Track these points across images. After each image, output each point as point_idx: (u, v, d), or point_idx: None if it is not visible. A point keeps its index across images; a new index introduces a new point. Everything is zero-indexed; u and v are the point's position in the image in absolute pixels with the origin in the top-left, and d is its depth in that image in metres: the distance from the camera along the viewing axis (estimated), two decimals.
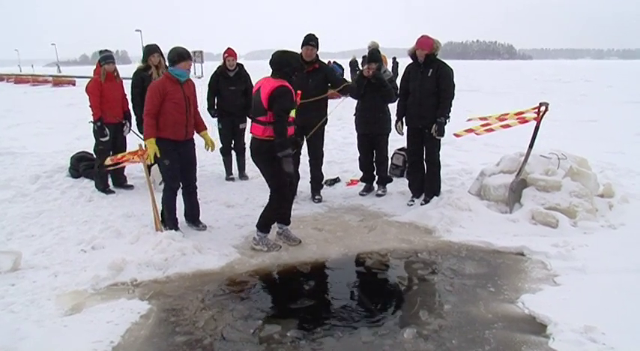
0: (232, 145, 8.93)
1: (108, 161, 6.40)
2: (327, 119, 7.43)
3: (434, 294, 4.74)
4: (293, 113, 5.56)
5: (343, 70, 22.01)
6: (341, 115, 12.26)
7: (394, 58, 27.06)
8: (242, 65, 8.71)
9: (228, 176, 9.00)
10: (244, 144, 9.00)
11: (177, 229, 6.16)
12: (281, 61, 5.54)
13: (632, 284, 4.57)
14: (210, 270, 5.30)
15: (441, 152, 7.28)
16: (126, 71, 8.32)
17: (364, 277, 5.25)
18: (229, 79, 8.53)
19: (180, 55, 5.87)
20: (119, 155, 6.26)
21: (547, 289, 4.69)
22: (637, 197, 7.07)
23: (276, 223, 6.04)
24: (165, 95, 5.81)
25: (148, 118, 5.81)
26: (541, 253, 5.43)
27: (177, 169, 6.11)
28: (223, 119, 8.69)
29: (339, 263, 5.52)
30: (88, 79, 8.00)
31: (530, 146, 6.52)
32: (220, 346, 3.98)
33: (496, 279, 4.98)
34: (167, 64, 8.18)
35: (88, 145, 8.72)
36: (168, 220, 6.23)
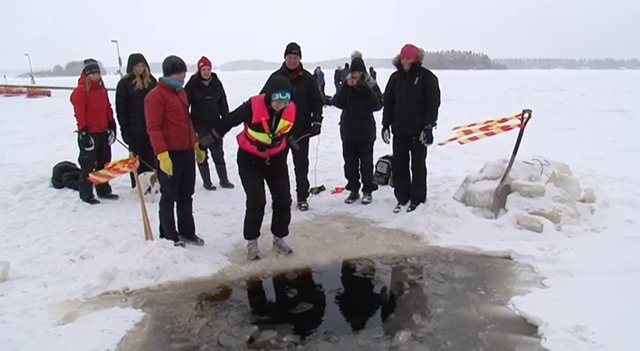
0: (209, 155, 8.89)
1: (95, 176, 6.21)
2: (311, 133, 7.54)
3: (426, 298, 4.81)
4: (260, 136, 5.47)
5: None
6: (322, 125, 12.29)
7: (371, 68, 27.25)
8: (215, 75, 8.71)
9: (208, 185, 8.97)
10: (223, 154, 9.04)
11: (178, 241, 6.04)
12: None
13: (617, 284, 4.71)
14: (202, 277, 5.30)
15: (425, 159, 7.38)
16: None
17: (356, 282, 5.30)
18: (205, 89, 8.50)
19: (174, 67, 5.68)
20: (110, 164, 6.20)
21: (536, 291, 4.79)
22: (617, 202, 7.25)
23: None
24: (166, 104, 5.62)
25: (154, 131, 5.59)
26: (528, 256, 5.53)
27: (177, 182, 5.93)
28: (199, 129, 8.59)
29: (329, 269, 5.57)
30: (64, 90, 7.98)
31: (514, 153, 6.63)
32: None
33: (485, 282, 5.06)
34: (152, 73, 8.23)
35: (70, 154, 8.67)
36: (168, 234, 6.03)
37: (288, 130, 5.59)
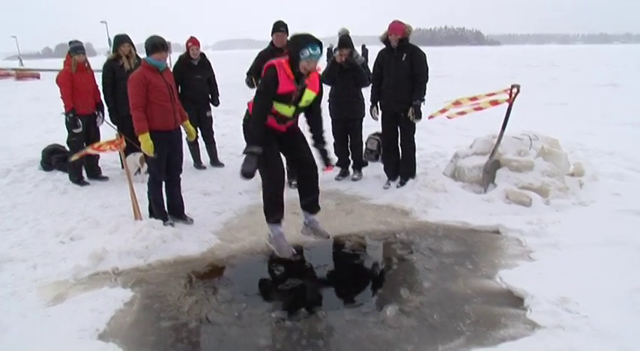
0: (199, 134, 8.86)
1: (75, 155, 6.22)
2: None
3: (413, 272, 4.84)
4: (282, 109, 4.81)
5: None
6: None
7: (363, 46, 27.02)
8: (204, 54, 8.67)
9: (199, 165, 8.95)
10: (213, 133, 9.03)
11: (167, 220, 6.05)
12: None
13: (603, 257, 4.74)
14: (191, 256, 5.32)
15: (415, 136, 7.38)
16: (92, 63, 8.18)
17: (345, 258, 5.33)
18: (194, 68, 8.50)
19: (154, 47, 5.59)
20: (96, 145, 6.18)
21: (523, 264, 4.83)
22: (606, 175, 7.27)
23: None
24: (148, 85, 5.56)
25: (136, 112, 5.54)
26: (516, 230, 5.56)
27: (164, 162, 5.93)
28: (188, 108, 8.52)
29: (318, 246, 5.58)
30: (53, 72, 7.89)
31: (503, 128, 6.63)
32: (206, 329, 4.02)
33: (473, 256, 5.10)
34: (138, 54, 8.16)
35: (59, 137, 8.61)
36: (157, 214, 6.04)
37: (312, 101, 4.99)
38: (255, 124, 4.72)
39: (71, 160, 7.38)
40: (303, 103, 4.89)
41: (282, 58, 4.74)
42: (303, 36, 4.62)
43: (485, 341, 3.63)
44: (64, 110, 7.70)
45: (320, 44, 4.60)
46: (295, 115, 5.01)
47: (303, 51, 4.51)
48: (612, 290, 4.12)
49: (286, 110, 4.81)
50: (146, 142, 5.59)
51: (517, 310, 4.01)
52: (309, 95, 4.86)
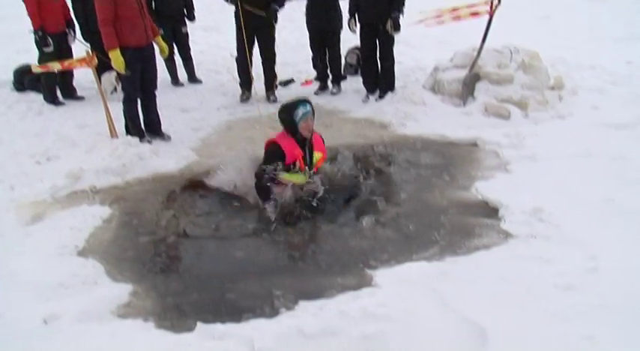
0: (175, 50, 8.59)
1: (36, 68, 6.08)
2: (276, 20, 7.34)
3: (391, 184, 4.90)
4: (297, 178, 4.53)
5: None
6: (293, 17, 11.95)
7: None
8: None
9: (176, 82, 8.71)
10: (189, 49, 8.76)
11: (145, 137, 5.99)
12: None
13: (578, 168, 4.79)
14: (169, 173, 5.31)
15: (394, 49, 7.22)
16: None
17: (321, 172, 5.28)
18: None
19: None
20: (66, 62, 5.97)
21: (499, 176, 4.86)
22: (586, 89, 7.21)
23: None
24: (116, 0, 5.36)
25: (104, 27, 5.36)
26: (494, 143, 5.56)
27: (138, 79, 5.82)
28: (163, 24, 8.07)
29: None
30: None
31: (483, 40, 6.49)
32: (184, 242, 4.08)
33: (451, 168, 5.12)
34: None
35: (30, 58, 8.27)
36: (134, 132, 5.96)
37: (322, 163, 4.85)
38: (263, 190, 4.46)
39: (34, 72, 7.05)
40: (314, 164, 4.69)
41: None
42: (290, 103, 4.59)
43: (458, 250, 3.70)
44: (32, 28, 7.35)
45: (308, 102, 4.58)
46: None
47: (297, 113, 4.43)
48: (585, 200, 4.19)
49: (300, 178, 4.56)
50: (117, 59, 5.44)
51: (492, 221, 4.07)
52: (317, 156, 4.69)
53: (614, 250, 3.51)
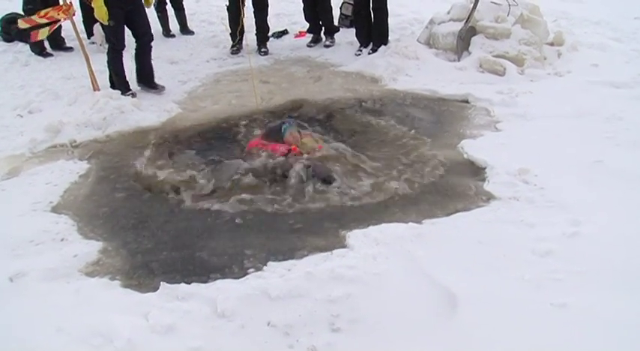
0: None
1: (23, 24, 5.90)
2: None
3: (373, 141, 4.77)
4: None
5: None
6: None
7: None
8: None
9: (167, 33, 8.46)
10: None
11: (129, 92, 5.84)
12: None
13: (569, 128, 4.65)
14: (151, 126, 5.19)
15: (392, 1, 6.98)
16: None
17: (308, 123, 5.18)
18: None
19: None
20: (42, 12, 5.76)
21: (488, 134, 4.73)
22: (587, 45, 6.99)
23: None
24: None
25: None
26: (485, 100, 5.41)
27: (122, 30, 5.68)
28: None
29: (281, 111, 5.45)
30: None
31: None
32: (160, 198, 3.99)
33: (438, 126, 5.01)
34: None
35: (16, 6, 8.03)
36: (118, 85, 5.84)
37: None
38: None
39: (21, 27, 6.85)
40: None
41: None
42: (272, 126, 4.78)
43: (438, 212, 3.61)
44: None
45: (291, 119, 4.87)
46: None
47: (282, 128, 4.56)
48: (573, 162, 4.06)
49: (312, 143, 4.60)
50: (100, 8, 5.32)
51: (475, 181, 3.96)
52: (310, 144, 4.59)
53: (598, 215, 3.39)
